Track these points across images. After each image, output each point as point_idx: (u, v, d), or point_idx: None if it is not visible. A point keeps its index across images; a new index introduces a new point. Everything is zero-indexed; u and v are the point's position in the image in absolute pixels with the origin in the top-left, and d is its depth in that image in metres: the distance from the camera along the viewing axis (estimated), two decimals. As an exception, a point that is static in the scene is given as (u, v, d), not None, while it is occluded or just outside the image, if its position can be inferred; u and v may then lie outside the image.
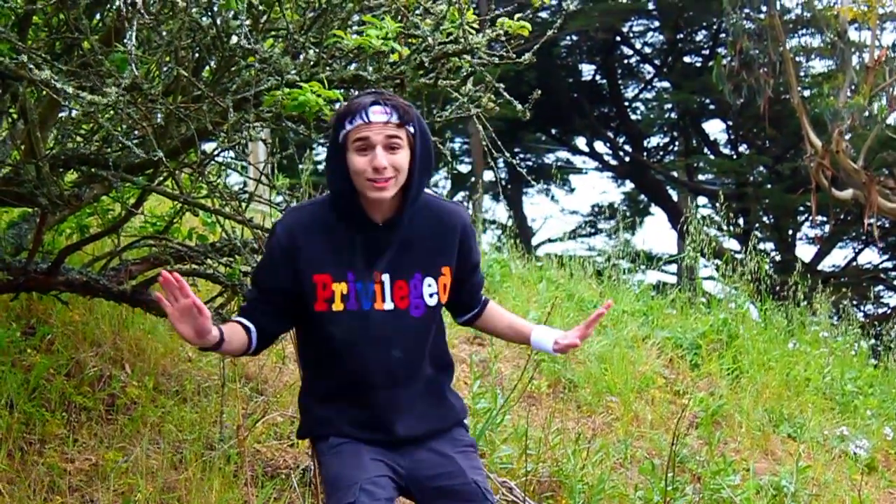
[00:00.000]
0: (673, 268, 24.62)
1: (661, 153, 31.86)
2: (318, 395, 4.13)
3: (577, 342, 4.21)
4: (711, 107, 28.69)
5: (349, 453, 4.00)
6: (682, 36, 29.64)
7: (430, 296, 4.07)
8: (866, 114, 19.93)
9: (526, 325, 4.39)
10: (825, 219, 26.08)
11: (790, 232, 28.27)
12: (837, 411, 9.88)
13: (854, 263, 27.82)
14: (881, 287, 27.34)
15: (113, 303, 6.42)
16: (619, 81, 30.90)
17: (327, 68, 5.10)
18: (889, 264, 27.81)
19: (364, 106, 3.87)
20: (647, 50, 30.80)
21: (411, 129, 3.92)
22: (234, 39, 4.94)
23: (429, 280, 4.07)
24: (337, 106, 4.79)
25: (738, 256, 14.46)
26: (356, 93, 4.08)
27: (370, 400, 4.04)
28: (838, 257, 28.15)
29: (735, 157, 29.60)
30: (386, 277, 3.98)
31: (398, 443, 4.07)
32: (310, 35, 5.15)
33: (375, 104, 3.87)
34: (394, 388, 4.06)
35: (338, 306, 3.96)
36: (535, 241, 30.31)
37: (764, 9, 21.60)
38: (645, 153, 30.76)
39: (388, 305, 4.01)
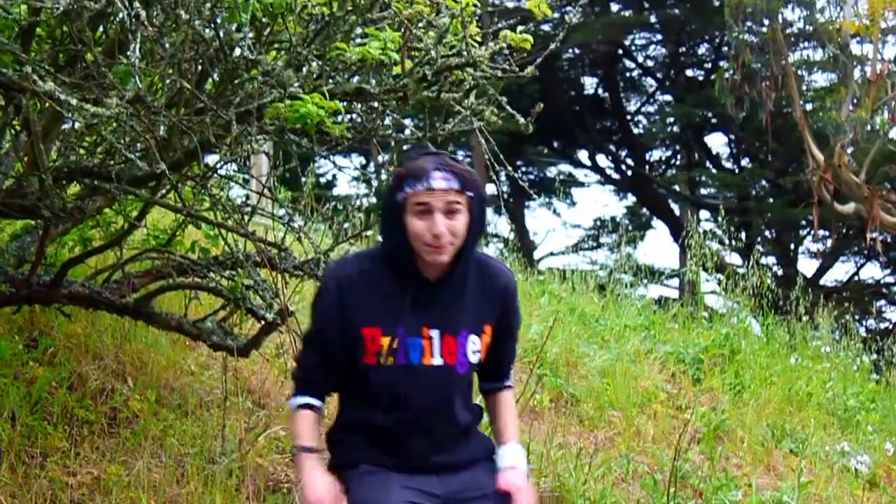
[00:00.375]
0: (675, 282, 24.65)
1: (663, 167, 31.88)
2: (354, 431, 4.12)
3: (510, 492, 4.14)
4: (714, 120, 28.69)
5: (379, 479, 3.99)
6: (684, 49, 29.66)
7: (474, 353, 4.07)
8: (868, 128, 19.94)
9: (506, 434, 4.30)
10: (827, 233, 26.07)
11: (792, 246, 28.27)
12: (839, 426, 9.88)
13: (856, 278, 27.80)
14: (883, 302, 27.35)
15: (115, 315, 6.42)
16: (622, 94, 30.91)
17: (330, 81, 5.10)
18: (891, 279, 27.80)
19: (426, 172, 3.85)
20: (650, 63, 30.83)
21: (471, 195, 3.91)
22: (238, 51, 4.94)
23: (473, 337, 4.07)
24: (339, 119, 4.80)
25: (741, 271, 14.44)
26: (416, 154, 4.06)
27: (409, 443, 4.05)
28: (840, 272, 28.17)
29: (737, 170, 29.62)
30: (435, 333, 3.97)
31: (432, 468, 4.07)
32: (313, 47, 5.15)
33: (437, 170, 3.86)
34: (432, 435, 4.06)
35: (386, 360, 3.95)
36: (537, 255, 30.29)
37: (766, 22, 21.62)
38: (647, 167, 30.76)
39: (437, 361, 4.01)
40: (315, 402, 4.09)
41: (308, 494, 3.95)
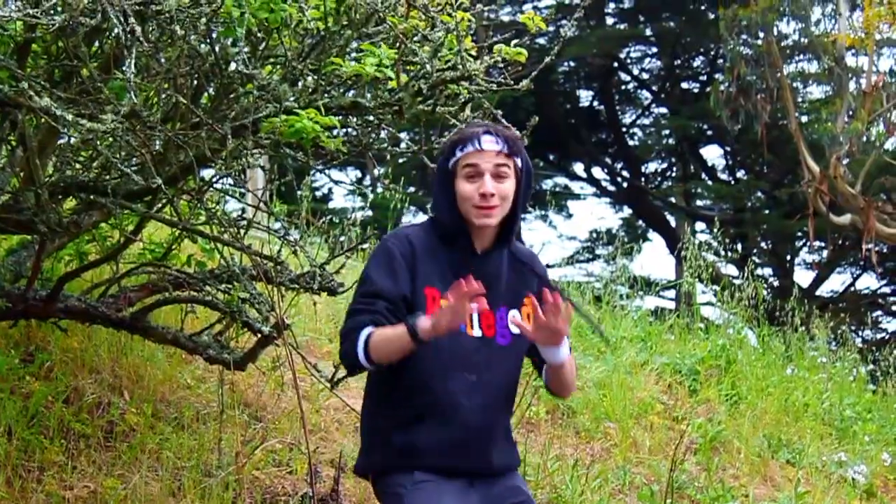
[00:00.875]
0: (671, 293, 24.63)
1: (659, 179, 31.84)
2: (402, 421, 4.05)
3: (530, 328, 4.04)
4: (709, 132, 28.69)
5: (433, 491, 3.97)
6: (679, 62, 29.67)
7: (515, 325, 4.10)
8: (864, 139, 19.99)
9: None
10: (823, 244, 26.10)
11: (788, 257, 28.25)
12: (836, 437, 9.88)
13: (852, 289, 27.80)
14: (879, 312, 27.32)
15: (112, 330, 6.43)
16: (617, 107, 30.88)
17: (325, 95, 5.12)
18: (887, 289, 27.80)
19: (476, 134, 3.98)
20: (645, 76, 30.82)
21: (519, 162, 4.02)
22: (233, 66, 4.96)
23: (513, 312, 4.12)
24: (335, 132, 4.82)
25: (736, 282, 14.47)
26: (466, 124, 4.14)
27: (463, 420, 4.03)
28: (836, 283, 28.14)
29: (733, 182, 29.61)
30: (474, 306, 3.96)
31: (484, 475, 4.09)
32: (308, 62, 5.17)
33: (487, 133, 3.98)
34: (483, 412, 4.06)
35: None
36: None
37: (761, 35, 21.64)
38: (643, 179, 30.72)
39: (477, 332, 4.06)
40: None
41: (444, 309, 3.80)
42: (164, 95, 5.17)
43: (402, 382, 4.05)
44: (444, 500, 3.96)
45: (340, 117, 5.24)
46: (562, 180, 31.92)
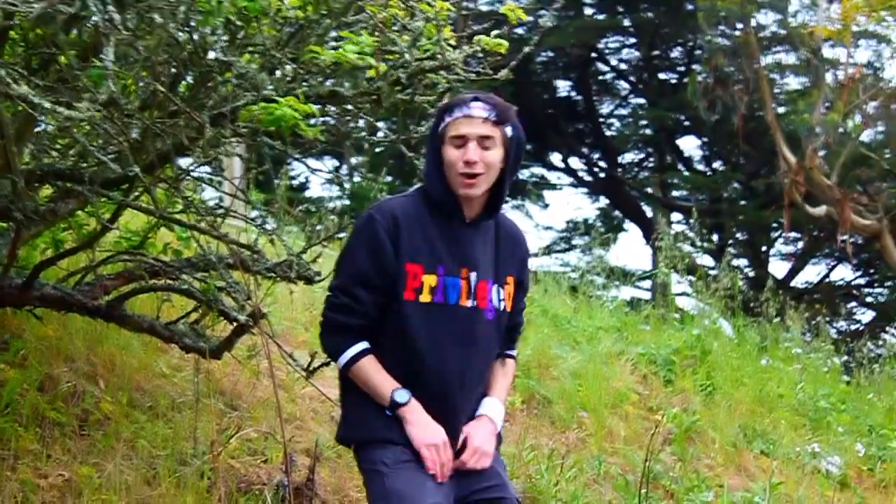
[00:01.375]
0: (647, 284, 24.68)
1: (636, 169, 31.84)
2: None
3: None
4: (686, 123, 28.68)
5: (417, 471, 4.00)
6: (657, 53, 29.64)
7: (500, 300, 4.16)
8: (840, 130, 20.03)
9: (493, 391, 4.31)
10: (799, 235, 26.18)
11: (764, 248, 28.33)
12: (810, 428, 9.93)
13: (827, 280, 27.89)
14: (854, 304, 27.44)
15: (87, 318, 6.40)
16: (595, 98, 30.88)
17: (304, 84, 5.11)
18: (862, 281, 27.89)
19: (465, 101, 4.03)
20: (623, 66, 30.79)
21: (508, 131, 4.03)
22: (212, 55, 4.94)
23: (497, 287, 4.16)
24: (312, 121, 4.81)
25: (712, 272, 14.50)
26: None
27: (446, 402, 4.08)
28: (811, 273, 28.22)
29: (709, 173, 29.65)
30: (473, 276, 4.05)
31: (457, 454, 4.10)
32: (287, 51, 5.15)
33: (476, 100, 4.01)
34: (463, 390, 4.12)
35: (425, 298, 4.02)
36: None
37: (739, 26, 21.70)
38: (619, 169, 30.74)
39: (470, 303, 4.08)
40: (370, 346, 4.08)
41: (423, 437, 3.98)
42: (141, 84, 5.15)
43: (392, 355, 4.08)
44: (426, 484, 3.98)
45: (318, 106, 5.23)
46: (539, 170, 31.92)
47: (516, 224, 4.34)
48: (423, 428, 4.01)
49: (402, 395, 4.01)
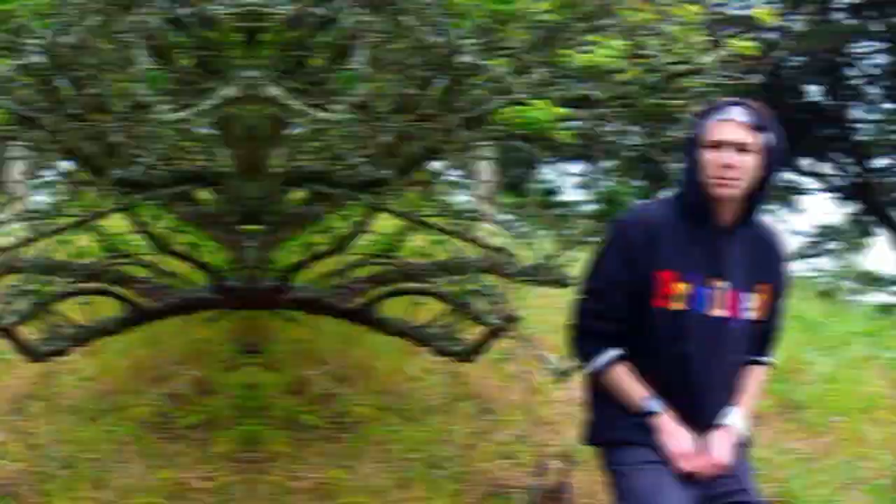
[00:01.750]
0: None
1: (888, 174, 31.13)
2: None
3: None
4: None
5: (662, 474, 3.95)
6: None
7: (751, 309, 4.07)
8: None
9: (738, 399, 4.19)
10: None
11: None
12: None
13: None
14: None
15: (338, 321, 6.46)
16: (845, 102, 30.26)
17: (555, 87, 5.07)
18: None
19: (724, 106, 3.98)
20: (874, 71, 30.11)
21: (766, 138, 3.98)
22: (464, 58, 4.93)
23: (750, 295, 4.06)
24: (564, 125, 4.76)
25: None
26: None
27: (692, 409, 4.03)
28: None
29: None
30: (725, 284, 3.98)
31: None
32: (538, 54, 5.12)
33: (736, 106, 3.96)
34: (709, 399, 4.06)
35: (676, 305, 3.96)
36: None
37: None
38: (870, 174, 30.07)
39: (721, 312, 4.01)
40: (623, 352, 4.04)
41: (674, 445, 3.96)
42: (393, 87, 5.17)
43: (640, 361, 4.03)
44: (664, 489, 3.91)
45: (570, 109, 5.18)
46: (789, 175, 31.50)
47: (773, 229, 4.23)
48: (673, 436, 3.96)
49: (655, 406, 3.97)
